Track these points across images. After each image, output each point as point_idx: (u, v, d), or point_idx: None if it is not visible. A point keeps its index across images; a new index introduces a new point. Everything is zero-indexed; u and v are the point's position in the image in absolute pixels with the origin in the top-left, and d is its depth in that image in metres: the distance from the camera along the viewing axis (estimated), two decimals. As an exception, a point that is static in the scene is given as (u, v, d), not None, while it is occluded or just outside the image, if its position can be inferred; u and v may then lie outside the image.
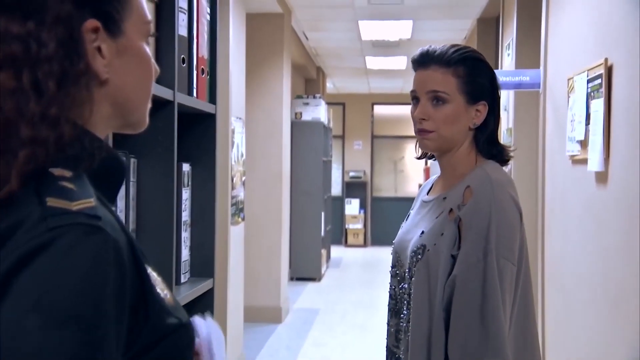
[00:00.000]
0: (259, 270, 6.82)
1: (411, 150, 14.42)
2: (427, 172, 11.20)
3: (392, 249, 1.86)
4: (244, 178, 5.35)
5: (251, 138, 6.36)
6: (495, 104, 1.75)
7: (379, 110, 13.85)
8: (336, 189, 12.82)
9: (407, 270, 1.73)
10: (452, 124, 1.71)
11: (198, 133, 2.02)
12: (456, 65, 1.71)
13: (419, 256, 1.68)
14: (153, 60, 0.97)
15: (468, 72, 1.72)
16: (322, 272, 9.36)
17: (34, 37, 0.83)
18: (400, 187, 13.72)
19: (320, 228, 9.06)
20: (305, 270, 9.10)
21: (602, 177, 3.04)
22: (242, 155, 5.24)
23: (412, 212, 1.89)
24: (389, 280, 1.84)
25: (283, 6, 6.59)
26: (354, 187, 13.44)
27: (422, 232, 1.71)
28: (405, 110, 14.23)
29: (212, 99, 2.05)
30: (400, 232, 1.85)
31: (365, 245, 13.08)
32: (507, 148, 1.79)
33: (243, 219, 5.33)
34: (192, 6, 1.88)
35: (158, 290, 0.89)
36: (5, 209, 0.80)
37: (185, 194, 1.92)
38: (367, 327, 6.75)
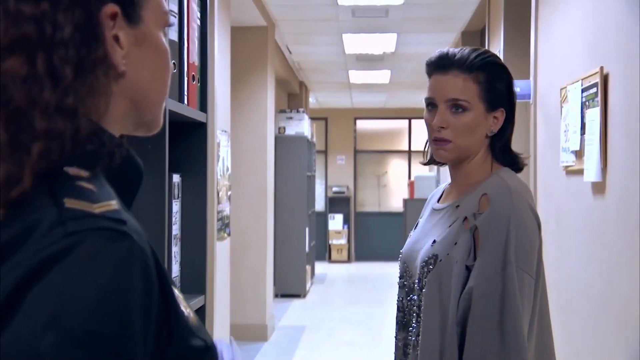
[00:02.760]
0: (244, 287, 6.70)
1: (394, 164, 14.41)
2: (411, 187, 11.16)
3: (399, 258, 1.78)
4: (229, 193, 5.25)
5: (235, 152, 6.27)
6: (512, 111, 1.69)
7: (362, 124, 13.81)
8: (319, 204, 12.72)
9: (416, 281, 1.65)
10: (471, 133, 1.65)
11: (188, 143, 1.92)
12: (477, 71, 1.64)
13: (430, 266, 1.60)
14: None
15: (488, 79, 1.65)
16: (307, 288, 9.25)
17: (48, 18, 0.74)
18: (384, 202, 13.66)
19: (305, 244, 8.96)
20: (289, 287, 8.98)
21: (599, 188, 2.98)
22: (227, 170, 5.15)
23: (421, 220, 1.81)
24: (397, 292, 1.76)
25: (267, 19, 6.52)
26: (337, 202, 13.35)
27: (434, 242, 1.63)
28: (388, 124, 14.21)
29: (203, 107, 1.96)
30: (408, 241, 1.77)
31: (349, 260, 12.98)
32: (520, 156, 1.74)
33: (229, 235, 5.23)
34: (182, 10, 1.79)
35: (182, 308, 0.79)
36: (16, 212, 0.70)
37: (176, 206, 1.82)
38: (355, 343, 6.65)
